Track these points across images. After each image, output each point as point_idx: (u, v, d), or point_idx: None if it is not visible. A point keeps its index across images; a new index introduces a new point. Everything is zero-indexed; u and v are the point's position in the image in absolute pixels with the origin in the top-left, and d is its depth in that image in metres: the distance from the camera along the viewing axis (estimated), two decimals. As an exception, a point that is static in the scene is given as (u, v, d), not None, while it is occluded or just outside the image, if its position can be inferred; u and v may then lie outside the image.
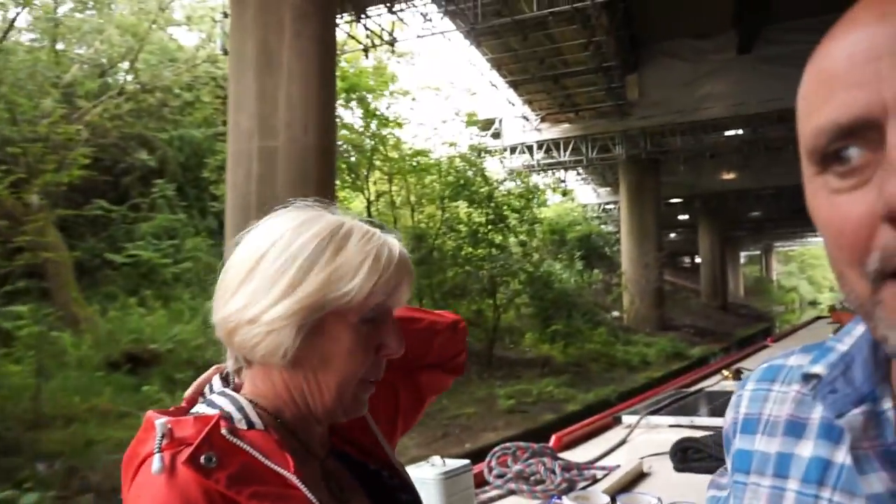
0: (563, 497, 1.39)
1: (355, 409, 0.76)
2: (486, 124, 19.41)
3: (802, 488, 0.51)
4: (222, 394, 0.74)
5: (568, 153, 18.92)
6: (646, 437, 2.40)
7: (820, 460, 0.51)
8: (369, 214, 13.57)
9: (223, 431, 0.66)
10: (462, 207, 13.99)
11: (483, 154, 15.17)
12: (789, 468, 0.53)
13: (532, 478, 1.74)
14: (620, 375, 12.48)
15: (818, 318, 11.27)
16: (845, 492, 0.48)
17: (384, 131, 13.94)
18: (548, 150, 19.38)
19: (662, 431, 2.46)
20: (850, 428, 0.47)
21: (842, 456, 0.49)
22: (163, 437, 0.64)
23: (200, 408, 0.73)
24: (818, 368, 0.53)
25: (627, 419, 2.58)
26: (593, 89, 17.05)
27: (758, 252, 57.44)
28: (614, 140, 18.36)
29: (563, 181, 24.53)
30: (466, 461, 1.48)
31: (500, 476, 1.76)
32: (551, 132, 19.06)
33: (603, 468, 1.92)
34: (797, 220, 37.76)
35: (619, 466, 1.93)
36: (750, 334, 22.30)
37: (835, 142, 0.39)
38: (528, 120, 19.23)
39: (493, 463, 1.80)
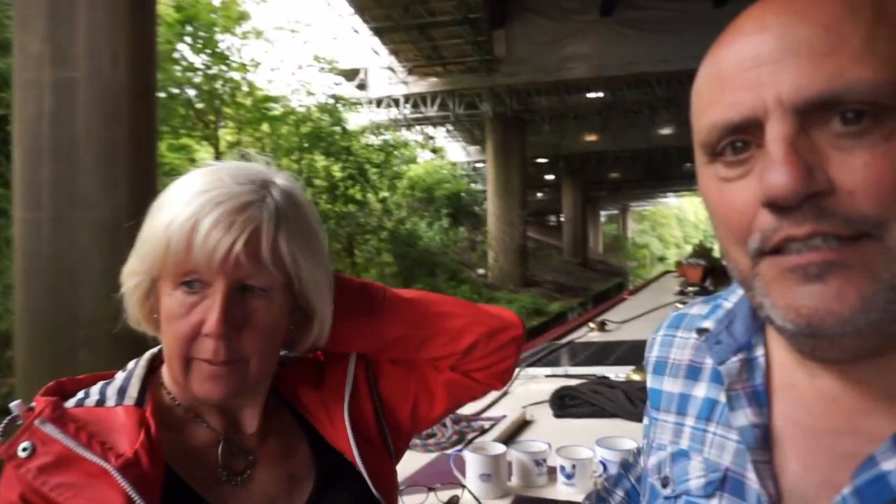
0: (464, 449, 1.49)
1: (199, 389, 0.69)
2: (351, 74, 18.38)
3: (696, 424, 0.62)
4: (137, 361, 0.75)
5: (435, 108, 18.43)
6: (525, 387, 2.49)
7: (709, 400, 0.61)
8: (216, 166, 12.29)
9: (36, 422, 0.64)
10: (320, 160, 13.12)
11: (345, 104, 14.28)
12: (688, 407, 0.63)
13: (424, 432, 1.77)
14: (480, 334, 12.46)
15: (666, 272, 12.06)
16: (724, 426, 0.58)
17: (234, 75, 12.62)
18: (415, 105, 18.78)
19: (540, 381, 2.55)
20: (728, 374, 0.57)
21: (724, 396, 0.57)
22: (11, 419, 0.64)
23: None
24: (708, 323, 0.63)
25: None
26: (460, 42, 16.59)
27: (616, 211, 60.99)
28: (481, 97, 18.12)
29: (433, 138, 24.15)
30: None
31: None
32: (419, 86, 18.44)
33: (489, 419, 1.99)
34: (650, 182, 40.42)
35: (505, 416, 1.99)
36: (605, 289, 23.54)
37: (725, 137, 0.47)
38: (394, 72, 18.44)
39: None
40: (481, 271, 19.24)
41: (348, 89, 18.14)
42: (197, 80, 12.41)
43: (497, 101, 18.02)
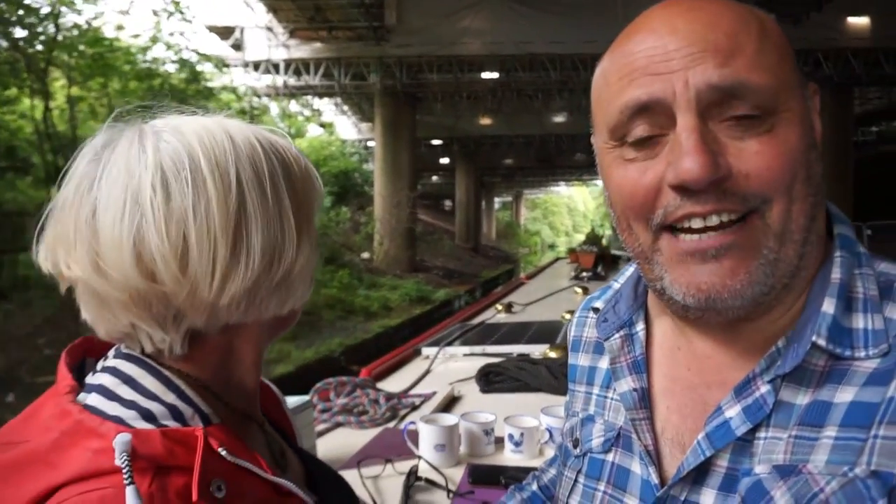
0: (418, 421, 1.54)
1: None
2: (225, 32, 16.51)
3: (600, 392, 0.70)
4: (147, 368, 0.57)
5: (319, 77, 16.93)
6: (445, 366, 2.62)
7: (609, 370, 0.67)
8: (46, 126, 10.33)
9: (222, 452, 0.54)
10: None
11: (209, 62, 12.51)
12: (595, 377, 0.72)
13: (355, 409, 1.85)
14: (355, 324, 11.37)
15: (557, 258, 13.03)
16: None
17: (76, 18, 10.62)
18: (298, 72, 17.17)
19: (460, 360, 2.68)
20: (610, 348, 0.66)
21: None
22: (128, 456, 0.48)
23: (94, 400, 0.55)
24: (599, 303, 0.72)
25: (427, 351, 2.80)
26: (347, 4, 15.24)
27: (510, 198, 61.77)
28: (369, 67, 16.85)
29: (318, 111, 22.55)
30: (306, 397, 1.52)
31: (324, 410, 1.86)
32: (301, 51, 16.84)
33: (419, 395, 2.11)
34: (543, 170, 40.91)
35: (435, 393, 2.12)
36: (495, 275, 23.17)
37: (634, 116, 0.52)
38: (273, 33, 16.73)
39: (316, 398, 1.86)
40: (366, 255, 18.08)
41: (222, 49, 16.27)
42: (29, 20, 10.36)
43: (386, 73, 16.83)
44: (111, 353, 0.60)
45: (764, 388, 0.52)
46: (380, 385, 2.19)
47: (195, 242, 0.54)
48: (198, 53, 12.50)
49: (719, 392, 0.56)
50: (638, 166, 0.54)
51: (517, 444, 1.54)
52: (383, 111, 17.89)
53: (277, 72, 16.99)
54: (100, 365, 0.60)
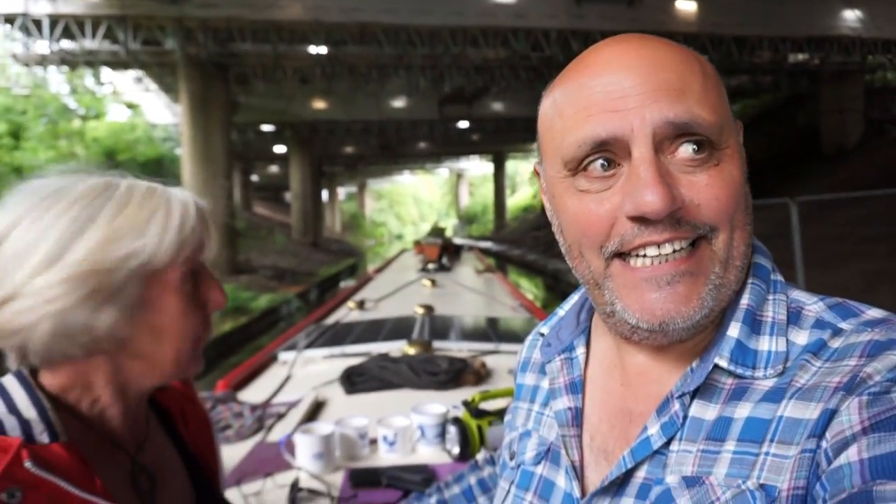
0: (296, 434, 1.53)
1: (196, 367, 0.74)
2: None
3: (539, 409, 0.73)
4: (22, 381, 0.65)
5: (98, 39, 13.66)
6: (306, 370, 2.53)
7: (549, 390, 0.70)
8: None
9: (27, 464, 0.57)
10: None
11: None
12: (536, 396, 0.75)
13: (218, 425, 1.78)
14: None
15: (403, 250, 13.16)
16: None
17: None
18: (70, 34, 13.74)
19: (319, 363, 2.63)
20: (550, 371, 0.69)
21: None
22: None
23: None
24: (544, 329, 0.76)
25: (284, 356, 2.73)
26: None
27: (355, 189, 59.78)
28: (165, 31, 13.93)
29: (106, 83, 18.88)
30: None
31: None
32: (72, 5, 13.45)
33: (284, 403, 2.03)
34: (386, 158, 39.46)
35: (300, 399, 2.04)
36: (334, 272, 21.16)
37: (592, 152, 0.54)
38: (33, -19, 13.20)
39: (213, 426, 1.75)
40: (174, 257, 15.14)
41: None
42: None
43: (188, 38, 14.04)
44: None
45: (677, 405, 0.55)
46: (240, 396, 2.14)
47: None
48: None
49: (644, 405, 0.60)
50: (593, 197, 0.55)
51: (391, 444, 1.60)
52: (190, 85, 15.05)
53: (41, 32, 13.45)
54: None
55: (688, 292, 0.53)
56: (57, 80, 19.54)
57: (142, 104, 23.70)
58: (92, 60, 14.69)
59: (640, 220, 0.52)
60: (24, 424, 0.61)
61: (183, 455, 0.83)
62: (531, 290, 18.17)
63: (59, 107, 19.22)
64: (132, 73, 18.93)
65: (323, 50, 16.04)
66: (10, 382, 0.65)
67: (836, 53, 17.72)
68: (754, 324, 0.56)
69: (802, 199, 7.78)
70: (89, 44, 13.69)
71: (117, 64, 15.63)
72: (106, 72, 17.77)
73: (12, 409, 0.62)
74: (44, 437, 0.61)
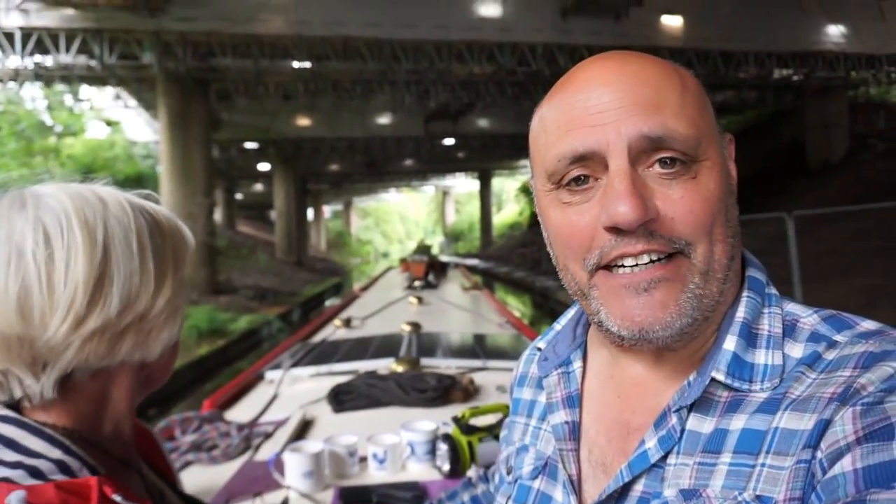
0: (285, 452, 1.51)
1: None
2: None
3: (536, 423, 0.73)
4: (26, 428, 0.59)
5: (73, 54, 13.24)
6: (293, 388, 2.50)
7: (546, 404, 0.70)
8: None
9: (117, 498, 0.56)
10: None
11: None
12: (533, 411, 0.75)
13: (205, 444, 1.75)
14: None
15: (389, 268, 13.05)
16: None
17: None
18: (42, 47, 13.32)
19: (307, 381, 2.59)
20: (547, 385, 0.69)
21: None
22: None
23: None
24: (541, 344, 0.77)
25: (271, 375, 2.69)
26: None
27: (341, 207, 59.41)
28: (142, 45, 13.56)
29: (84, 100, 18.45)
30: None
31: (171, 451, 1.75)
32: (46, 18, 13.04)
33: (271, 423, 2.00)
34: (372, 176, 39.17)
35: (287, 418, 2.01)
36: (318, 292, 20.70)
37: (572, 164, 0.56)
38: (5, -6, 12.78)
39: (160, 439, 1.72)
40: (151, 277, 14.63)
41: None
42: None
43: (166, 52, 13.68)
44: None
45: (674, 419, 0.56)
46: (227, 415, 2.10)
47: (62, 290, 0.58)
48: None
49: (642, 417, 0.60)
50: (575, 209, 0.57)
51: (381, 462, 1.58)
52: (168, 101, 14.67)
53: (13, 45, 13.03)
54: None
55: (664, 299, 0.54)
56: (33, 95, 19.10)
57: (122, 121, 23.28)
58: (67, 75, 14.26)
59: (616, 230, 0.54)
60: (60, 465, 0.57)
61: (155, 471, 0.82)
62: (519, 307, 17.86)
63: (35, 123, 18.74)
64: (111, 90, 18.52)
65: (306, 65, 15.76)
66: (6, 429, 0.58)
67: (821, 69, 17.74)
68: (750, 337, 0.56)
69: (799, 214, 7.55)
70: (64, 58, 13.27)
71: (94, 79, 15.22)
72: (84, 88, 17.32)
73: (32, 454, 0.57)
74: (84, 473, 0.59)
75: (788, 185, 18.28)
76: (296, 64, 15.70)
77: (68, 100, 20.35)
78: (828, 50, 17.60)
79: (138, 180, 20.04)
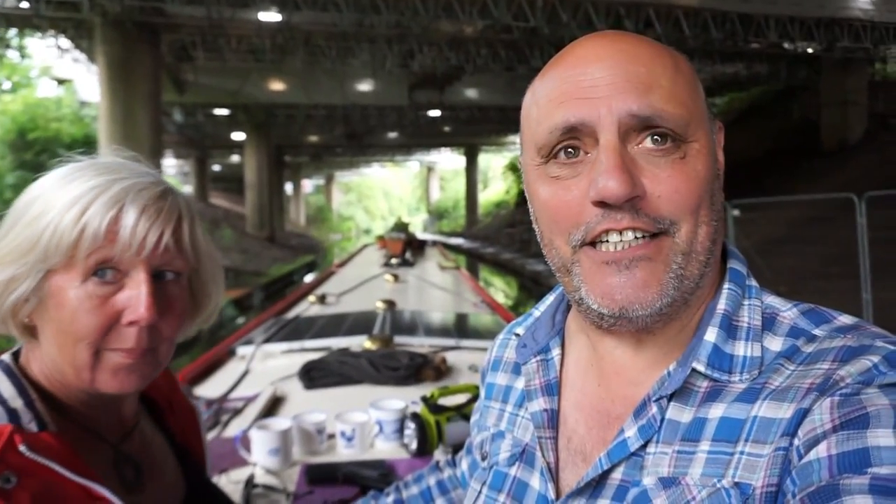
0: (252, 429, 1.50)
1: (110, 383, 0.68)
2: None
3: (512, 410, 0.72)
4: (6, 370, 0.67)
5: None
6: (264, 364, 2.47)
7: (524, 391, 0.69)
8: None
9: (21, 448, 0.59)
10: None
11: None
12: (509, 396, 0.74)
13: None
14: None
15: (365, 245, 12.91)
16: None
17: None
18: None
19: (278, 357, 2.56)
20: (526, 372, 0.69)
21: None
22: None
23: None
24: (520, 329, 0.76)
25: (242, 350, 2.64)
26: None
27: (323, 181, 57.41)
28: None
29: (12, 46, 16.33)
30: None
31: None
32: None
33: (241, 398, 1.98)
34: (353, 149, 37.25)
35: (258, 394, 1.99)
36: (287, 271, 18.92)
37: (563, 136, 0.56)
38: None
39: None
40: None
41: None
42: None
43: (105, -7, 11.64)
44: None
45: (654, 408, 0.56)
46: (197, 391, 2.10)
47: None
48: None
49: (622, 406, 0.60)
50: (563, 184, 0.57)
51: (349, 440, 1.58)
52: (108, 50, 12.67)
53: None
54: None
55: (647, 278, 0.54)
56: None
57: (75, 80, 21.14)
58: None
59: (603, 205, 0.54)
60: (11, 413, 0.63)
61: (172, 444, 0.83)
62: (505, 289, 16.28)
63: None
64: (53, 41, 16.40)
65: (273, 17, 13.80)
66: None
67: (846, 38, 16.08)
68: (730, 329, 0.57)
69: (874, 194, 5.95)
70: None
71: (23, 21, 13.14)
72: (14, 34, 15.19)
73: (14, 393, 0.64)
74: (32, 426, 0.62)
75: (802, 166, 16.78)
76: (261, 15, 13.76)
77: (13, 55, 18.24)
78: (854, 17, 15.94)
79: (86, 143, 18.07)
